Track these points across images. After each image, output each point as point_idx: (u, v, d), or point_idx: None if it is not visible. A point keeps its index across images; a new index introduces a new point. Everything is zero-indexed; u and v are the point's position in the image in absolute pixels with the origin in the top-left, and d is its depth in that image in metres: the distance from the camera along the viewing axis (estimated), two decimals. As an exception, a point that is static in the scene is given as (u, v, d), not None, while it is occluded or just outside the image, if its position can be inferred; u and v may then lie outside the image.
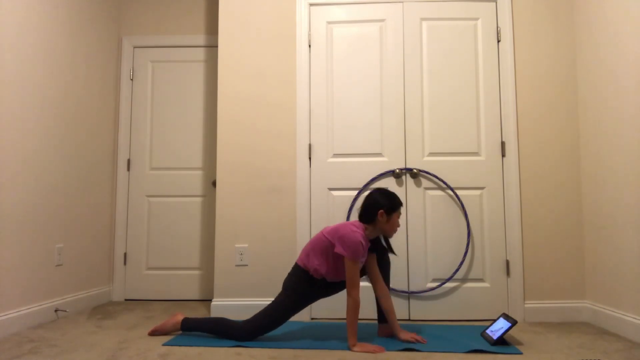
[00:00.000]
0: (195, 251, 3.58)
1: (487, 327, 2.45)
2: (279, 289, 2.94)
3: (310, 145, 3.04)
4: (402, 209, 2.89)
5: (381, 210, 2.31)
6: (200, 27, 3.72)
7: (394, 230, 2.38)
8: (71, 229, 3.07)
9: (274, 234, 2.99)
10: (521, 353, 2.16)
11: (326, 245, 2.30)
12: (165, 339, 2.41)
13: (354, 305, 2.21)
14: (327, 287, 2.38)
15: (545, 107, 2.97)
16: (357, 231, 2.26)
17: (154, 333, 2.47)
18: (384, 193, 2.38)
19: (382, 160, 3.00)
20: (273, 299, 2.40)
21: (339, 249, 2.24)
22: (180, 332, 2.49)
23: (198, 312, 3.10)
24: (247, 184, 3.02)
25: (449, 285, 2.91)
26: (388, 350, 2.21)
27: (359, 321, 2.82)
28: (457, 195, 2.94)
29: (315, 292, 2.37)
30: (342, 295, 2.84)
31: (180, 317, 2.48)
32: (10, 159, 2.55)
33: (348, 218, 2.96)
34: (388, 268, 2.50)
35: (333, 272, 2.32)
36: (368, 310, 2.90)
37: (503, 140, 2.97)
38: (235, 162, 3.04)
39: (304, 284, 2.34)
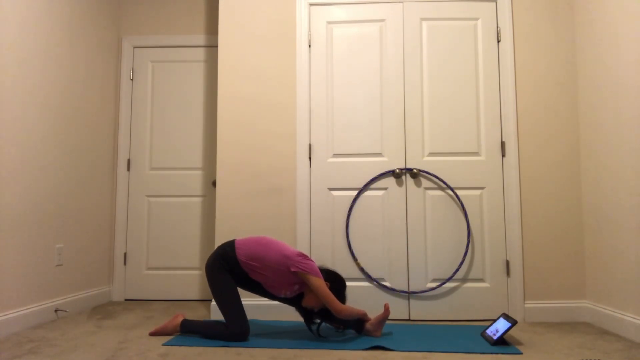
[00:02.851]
0: (195, 251, 3.58)
1: (487, 327, 2.45)
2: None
3: (310, 145, 3.04)
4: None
5: (328, 284, 2.36)
6: (200, 27, 3.72)
7: (313, 306, 2.37)
8: (71, 229, 3.07)
9: (274, 234, 2.98)
10: (521, 353, 2.16)
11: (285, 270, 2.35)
12: (166, 339, 2.41)
13: (344, 310, 2.30)
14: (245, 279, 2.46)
15: (545, 107, 2.97)
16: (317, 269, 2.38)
17: (155, 334, 2.47)
18: (341, 286, 2.41)
19: (382, 160, 3.00)
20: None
21: (309, 271, 2.32)
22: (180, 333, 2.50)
23: (198, 312, 3.10)
24: (247, 184, 3.02)
25: (449, 285, 2.91)
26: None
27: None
28: (457, 195, 2.94)
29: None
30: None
31: (180, 319, 2.48)
32: (11, 159, 2.55)
33: (348, 218, 2.96)
34: None
35: (281, 284, 2.39)
36: (371, 310, 2.90)
37: (503, 140, 2.97)
38: (235, 162, 3.04)
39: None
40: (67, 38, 3.05)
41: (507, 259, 2.90)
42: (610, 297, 2.62)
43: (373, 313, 2.90)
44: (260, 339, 2.40)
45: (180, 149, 3.65)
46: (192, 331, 2.44)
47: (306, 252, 2.93)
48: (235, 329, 2.33)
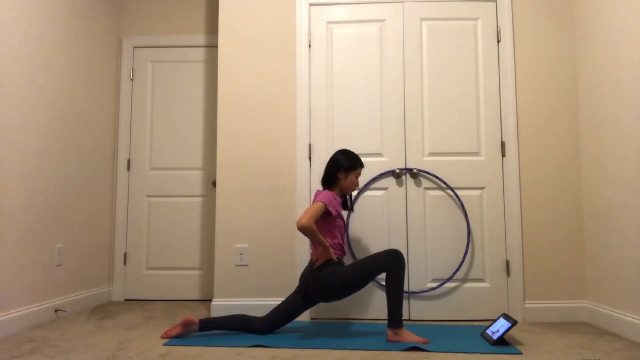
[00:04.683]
0: (195, 251, 3.58)
1: (487, 327, 2.45)
2: (279, 288, 2.94)
3: (310, 145, 3.04)
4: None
5: (340, 171, 2.54)
6: (200, 27, 3.72)
7: (352, 188, 2.59)
8: (71, 229, 3.07)
9: (274, 234, 2.99)
10: (521, 353, 2.16)
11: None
12: (166, 339, 2.41)
13: (306, 232, 2.32)
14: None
15: (545, 107, 2.97)
16: (327, 191, 2.53)
17: (166, 336, 2.43)
18: (345, 153, 2.60)
19: (382, 160, 3.00)
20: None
21: (314, 200, 2.47)
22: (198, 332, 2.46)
23: (198, 312, 3.10)
24: (247, 184, 3.02)
25: (449, 285, 2.91)
26: (392, 350, 2.21)
27: (364, 321, 2.83)
28: (457, 195, 2.94)
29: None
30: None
31: (192, 318, 2.44)
32: (11, 159, 2.55)
33: (348, 217, 2.96)
34: None
35: (333, 237, 2.49)
36: (371, 310, 2.90)
37: (503, 140, 2.97)
38: (235, 162, 3.04)
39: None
40: (67, 38, 3.05)
41: (507, 259, 2.90)
42: (610, 297, 2.62)
43: (372, 312, 2.90)
44: (260, 338, 2.40)
45: (180, 149, 3.65)
46: (213, 327, 2.44)
47: (306, 252, 2.93)
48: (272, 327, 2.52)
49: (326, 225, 2.48)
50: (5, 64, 2.52)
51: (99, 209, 3.41)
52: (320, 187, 2.81)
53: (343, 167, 2.54)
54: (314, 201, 2.49)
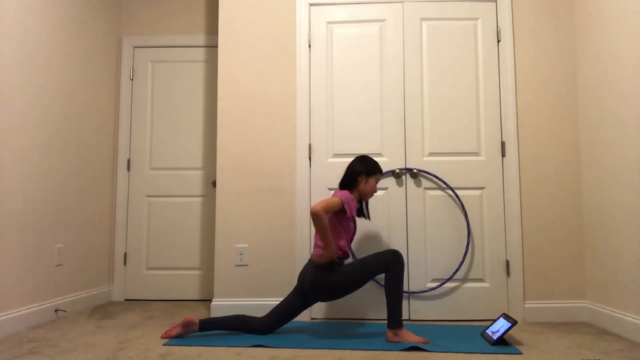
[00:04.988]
0: (195, 251, 3.58)
1: (487, 327, 2.45)
2: (279, 288, 2.94)
3: (310, 145, 3.04)
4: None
5: (361, 175, 2.53)
6: (200, 27, 3.72)
7: (371, 194, 2.58)
8: (71, 229, 3.07)
9: (274, 234, 2.99)
10: (521, 353, 2.16)
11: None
12: (166, 339, 2.41)
13: (317, 218, 2.30)
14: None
15: (545, 106, 2.97)
16: (347, 191, 2.52)
17: (166, 336, 2.43)
18: (366, 159, 2.59)
19: (382, 160, 2.99)
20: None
21: (333, 196, 2.44)
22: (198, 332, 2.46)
23: (198, 312, 3.10)
24: (247, 184, 3.02)
25: (449, 285, 2.91)
26: (392, 350, 2.21)
27: (364, 321, 2.83)
28: (457, 195, 2.94)
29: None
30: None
31: (192, 319, 2.44)
32: (11, 159, 2.55)
33: (348, 218, 2.95)
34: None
35: (340, 238, 2.47)
36: (371, 310, 2.90)
37: (503, 140, 2.97)
38: (235, 162, 3.04)
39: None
40: (67, 38, 3.05)
41: (507, 259, 2.90)
42: (610, 297, 2.62)
43: (372, 313, 2.90)
44: (260, 338, 2.40)
45: (180, 149, 3.65)
46: (213, 327, 2.44)
47: (306, 252, 2.93)
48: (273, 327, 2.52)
49: (337, 224, 2.46)
50: (5, 63, 2.52)
51: (99, 208, 3.41)
52: (319, 188, 2.82)
53: (364, 171, 2.53)
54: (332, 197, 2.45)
